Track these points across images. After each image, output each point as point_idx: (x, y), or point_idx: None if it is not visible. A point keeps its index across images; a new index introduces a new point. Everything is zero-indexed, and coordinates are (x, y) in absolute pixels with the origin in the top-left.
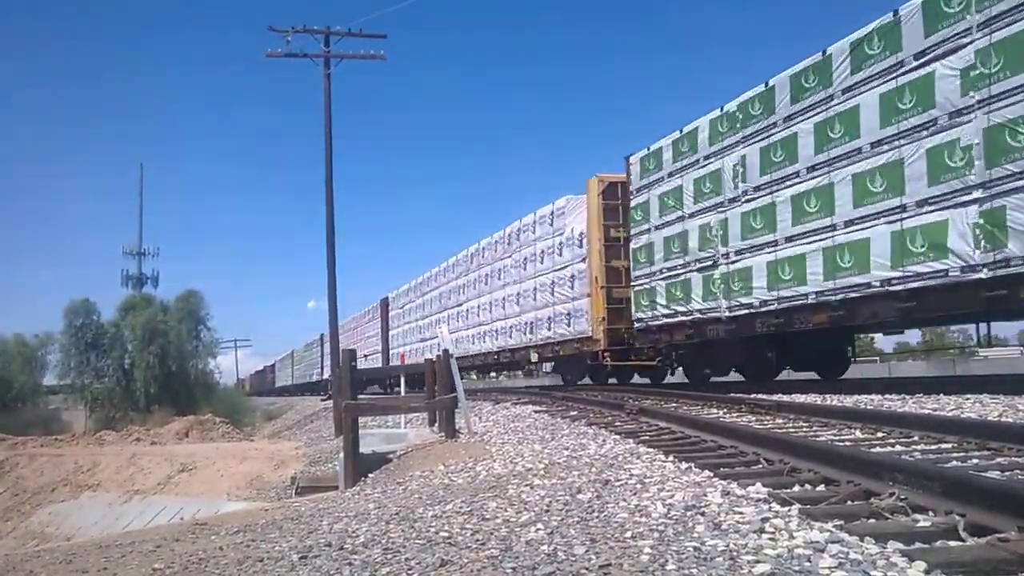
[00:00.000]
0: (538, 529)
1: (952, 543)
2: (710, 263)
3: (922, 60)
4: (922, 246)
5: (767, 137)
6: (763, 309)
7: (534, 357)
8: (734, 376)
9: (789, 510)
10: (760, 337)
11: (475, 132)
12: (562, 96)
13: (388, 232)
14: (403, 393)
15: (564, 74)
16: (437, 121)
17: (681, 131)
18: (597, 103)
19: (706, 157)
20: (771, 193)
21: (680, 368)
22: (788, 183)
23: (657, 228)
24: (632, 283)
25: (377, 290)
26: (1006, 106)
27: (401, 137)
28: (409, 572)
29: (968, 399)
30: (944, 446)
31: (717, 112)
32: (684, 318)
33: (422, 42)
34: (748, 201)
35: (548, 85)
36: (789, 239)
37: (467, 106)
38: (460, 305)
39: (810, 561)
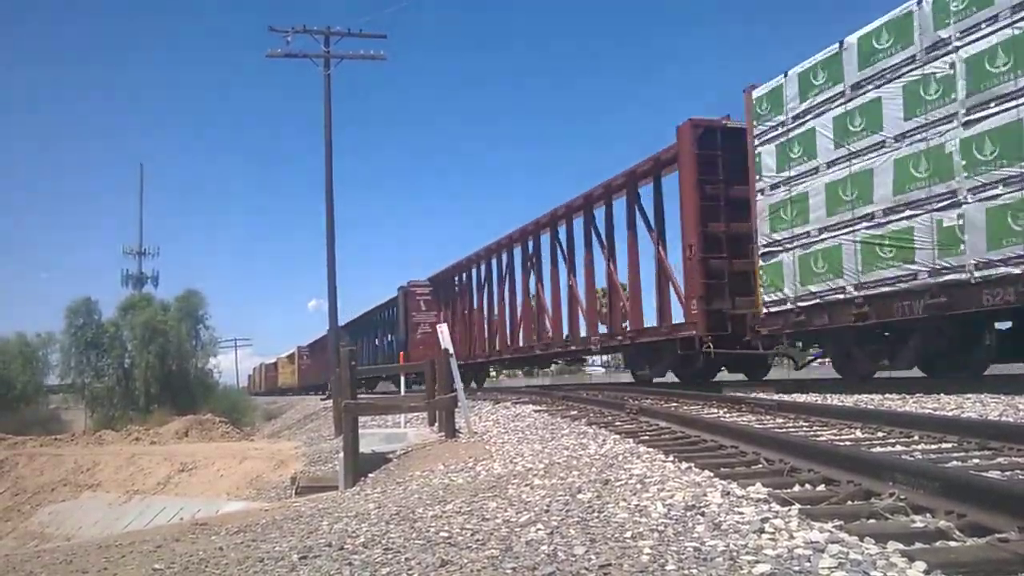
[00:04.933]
0: (538, 529)
1: (952, 543)
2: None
3: None
4: None
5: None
6: None
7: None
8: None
9: (789, 510)
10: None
11: (478, 127)
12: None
13: (395, 226)
14: (402, 392)
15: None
16: (441, 113)
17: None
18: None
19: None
20: None
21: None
22: None
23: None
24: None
25: (379, 289)
26: None
27: (402, 133)
28: (409, 572)
29: (968, 399)
30: (944, 446)
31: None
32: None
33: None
34: None
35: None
36: None
37: (469, 96)
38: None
39: (810, 561)
